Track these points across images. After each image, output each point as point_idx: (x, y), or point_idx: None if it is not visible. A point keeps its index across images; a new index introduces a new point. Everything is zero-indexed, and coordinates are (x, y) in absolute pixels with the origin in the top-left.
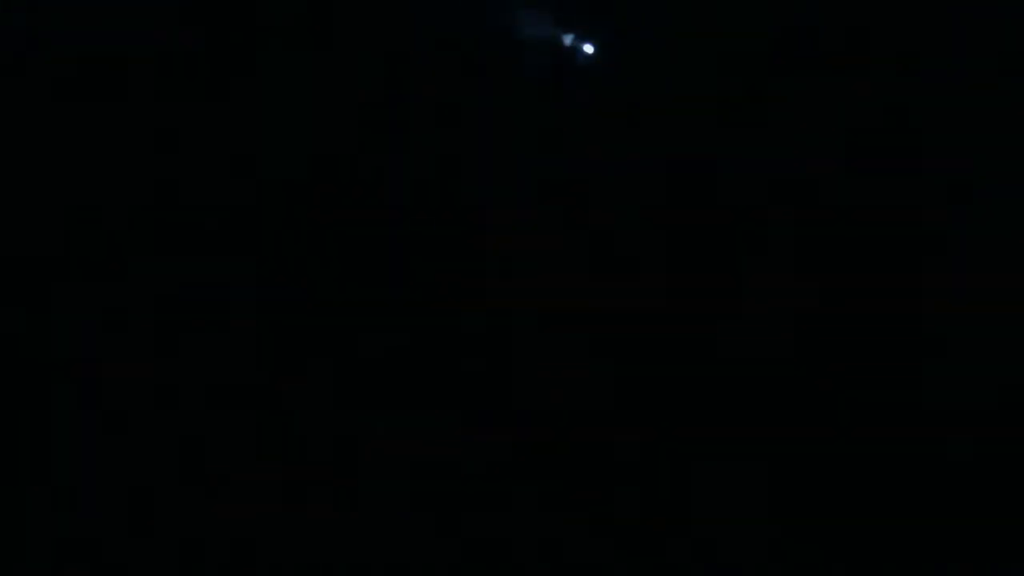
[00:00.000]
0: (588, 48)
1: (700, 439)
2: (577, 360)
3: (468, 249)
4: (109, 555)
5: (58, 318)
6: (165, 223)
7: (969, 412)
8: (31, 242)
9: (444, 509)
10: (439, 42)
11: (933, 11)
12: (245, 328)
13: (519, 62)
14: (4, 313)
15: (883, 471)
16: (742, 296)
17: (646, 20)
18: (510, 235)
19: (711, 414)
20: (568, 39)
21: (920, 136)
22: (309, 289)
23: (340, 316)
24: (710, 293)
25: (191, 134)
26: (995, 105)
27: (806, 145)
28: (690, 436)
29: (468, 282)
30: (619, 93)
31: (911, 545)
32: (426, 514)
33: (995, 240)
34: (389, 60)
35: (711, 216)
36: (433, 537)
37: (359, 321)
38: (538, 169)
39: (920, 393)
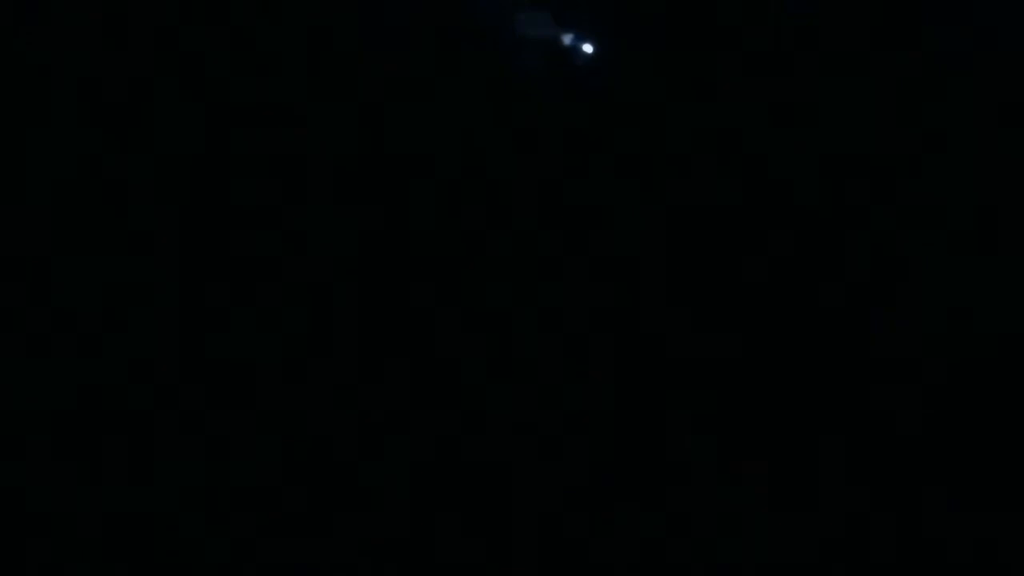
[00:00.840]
0: (588, 48)
1: (699, 439)
2: (577, 360)
3: (467, 249)
4: (108, 555)
5: (57, 318)
6: (163, 222)
7: (968, 411)
8: (31, 242)
9: (443, 509)
10: (439, 42)
11: (933, 12)
12: (244, 327)
13: (518, 62)
14: (7, 312)
15: (883, 472)
16: (741, 296)
17: (646, 20)
18: (509, 235)
19: (710, 414)
20: (568, 39)
21: (920, 136)
22: (308, 289)
23: (339, 316)
24: (710, 293)
25: (191, 133)
26: (996, 105)
27: (806, 145)
28: (689, 436)
29: (467, 282)
30: (619, 93)
31: (910, 544)
32: (425, 514)
33: (995, 239)
34: (388, 60)
35: (711, 216)
36: (432, 537)
37: (358, 321)
38: (537, 169)
39: (920, 392)
